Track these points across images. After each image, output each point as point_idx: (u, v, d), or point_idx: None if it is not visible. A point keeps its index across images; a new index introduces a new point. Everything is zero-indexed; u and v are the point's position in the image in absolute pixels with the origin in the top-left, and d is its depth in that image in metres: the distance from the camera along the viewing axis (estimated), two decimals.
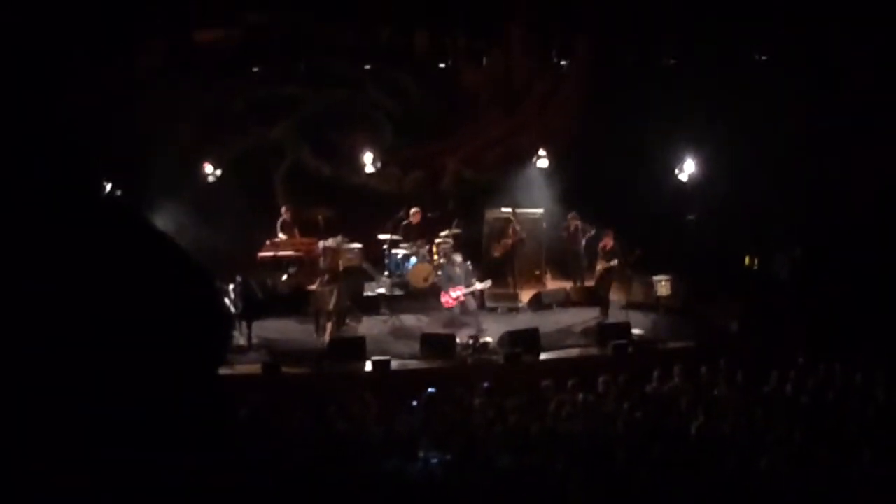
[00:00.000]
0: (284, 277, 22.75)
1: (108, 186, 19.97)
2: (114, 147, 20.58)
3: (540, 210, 24.92)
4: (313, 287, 20.94)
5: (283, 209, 24.14)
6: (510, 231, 23.85)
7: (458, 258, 22.07)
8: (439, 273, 22.60)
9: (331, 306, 20.71)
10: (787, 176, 23.54)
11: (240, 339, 19.88)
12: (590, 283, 23.29)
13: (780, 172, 23.58)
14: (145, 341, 1.90)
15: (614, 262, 22.23)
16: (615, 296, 22.73)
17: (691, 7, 22.71)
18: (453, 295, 21.44)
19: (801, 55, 23.27)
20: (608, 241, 22.41)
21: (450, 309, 21.54)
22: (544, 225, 24.81)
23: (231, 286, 20.34)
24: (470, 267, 22.26)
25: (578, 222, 23.57)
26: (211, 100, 24.41)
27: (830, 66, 22.81)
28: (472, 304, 21.60)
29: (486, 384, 16.72)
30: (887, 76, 22.77)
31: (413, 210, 23.91)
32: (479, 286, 21.93)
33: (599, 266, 22.52)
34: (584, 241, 23.54)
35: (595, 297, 22.75)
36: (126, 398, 1.88)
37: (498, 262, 23.79)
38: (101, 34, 21.68)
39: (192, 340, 1.99)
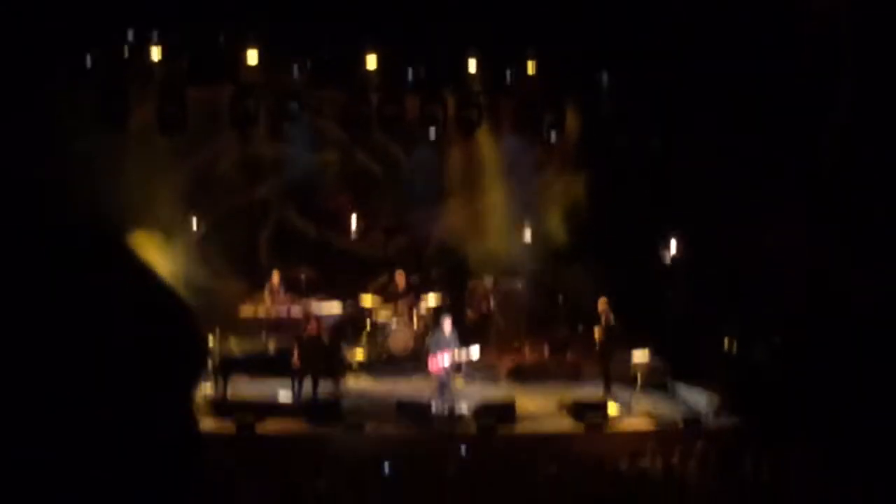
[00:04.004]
0: (263, 336, 22.69)
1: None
2: (100, 199, 20.53)
3: (522, 281, 24.94)
4: (294, 347, 20.81)
5: (275, 273, 23.91)
6: (482, 298, 23.89)
7: (447, 323, 21.05)
8: (426, 337, 22.37)
9: (310, 367, 20.60)
10: (776, 260, 23.54)
11: (215, 394, 19.77)
12: (571, 355, 23.25)
13: (769, 257, 23.57)
14: (117, 361, 1.88)
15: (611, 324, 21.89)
16: (594, 370, 22.43)
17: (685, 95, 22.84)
18: (440, 360, 20.47)
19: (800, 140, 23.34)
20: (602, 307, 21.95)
21: (438, 374, 20.55)
22: (526, 296, 24.82)
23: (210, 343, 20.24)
24: (457, 334, 21.37)
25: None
26: (199, 157, 24.42)
27: (826, 151, 22.86)
28: (452, 373, 21.05)
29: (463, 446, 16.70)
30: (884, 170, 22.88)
31: (397, 271, 23.94)
32: (465, 355, 21.04)
33: (598, 333, 21.89)
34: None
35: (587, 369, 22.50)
36: (92, 419, 1.86)
37: (471, 330, 23.53)
38: (95, 86, 21.86)
39: (167, 364, 1.97)
